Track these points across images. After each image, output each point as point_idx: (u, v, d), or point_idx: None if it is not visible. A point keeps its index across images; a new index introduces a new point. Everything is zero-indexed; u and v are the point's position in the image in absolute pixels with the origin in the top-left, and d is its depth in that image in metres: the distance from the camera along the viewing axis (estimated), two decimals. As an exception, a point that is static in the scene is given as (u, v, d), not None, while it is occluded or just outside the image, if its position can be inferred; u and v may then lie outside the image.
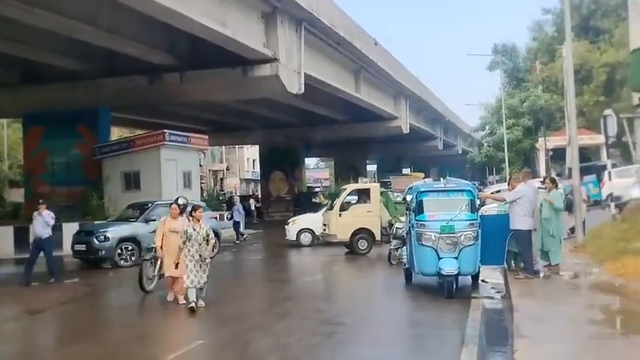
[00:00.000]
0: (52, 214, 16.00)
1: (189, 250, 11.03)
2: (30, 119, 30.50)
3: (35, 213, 16.08)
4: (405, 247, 13.30)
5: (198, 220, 11.31)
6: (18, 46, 22.64)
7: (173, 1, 18.33)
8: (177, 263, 11.29)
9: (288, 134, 47.41)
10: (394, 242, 16.01)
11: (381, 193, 22.08)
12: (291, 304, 12.46)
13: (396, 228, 16.11)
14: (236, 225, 27.12)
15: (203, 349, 8.86)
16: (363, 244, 20.22)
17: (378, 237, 20.38)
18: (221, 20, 21.12)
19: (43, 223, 15.72)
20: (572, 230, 16.18)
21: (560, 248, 12.89)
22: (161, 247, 12.10)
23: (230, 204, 31.33)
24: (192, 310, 10.77)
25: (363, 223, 20.44)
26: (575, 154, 16.86)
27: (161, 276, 12.61)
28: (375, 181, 27.51)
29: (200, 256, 11.02)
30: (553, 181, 13.69)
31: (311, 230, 23.53)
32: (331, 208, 21.39)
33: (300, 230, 23.83)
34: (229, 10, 21.73)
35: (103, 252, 18.78)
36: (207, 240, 11.22)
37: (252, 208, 43.64)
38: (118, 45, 22.80)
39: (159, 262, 12.52)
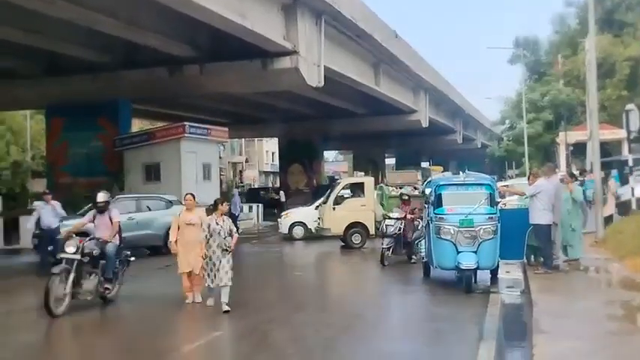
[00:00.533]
0: (59, 204, 16.12)
1: (210, 246, 10.37)
2: (52, 111, 30.73)
3: (41, 203, 16.18)
4: (423, 242, 13.26)
5: (222, 214, 10.64)
6: (39, 37, 22.80)
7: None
8: (204, 256, 10.46)
9: (307, 127, 47.40)
10: (386, 241, 15.43)
11: (378, 187, 22.17)
12: (307, 297, 12.48)
13: (387, 225, 15.63)
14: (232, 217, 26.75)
15: (221, 340, 8.92)
16: (357, 238, 20.40)
17: (372, 231, 20.47)
18: (240, 11, 21.12)
19: (52, 212, 15.82)
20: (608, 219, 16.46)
21: (580, 243, 12.79)
22: (175, 242, 11.11)
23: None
24: (225, 311, 10.15)
25: (357, 217, 20.63)
26: (597, 148, 16.71)
27: (74, 295, 10.45)
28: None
29: (223, 250, 10.28)
30: (572, 175, 13.68)
31: (303, 224, 23.71)
32: (326, 201, 21.50)
33: (293, 224, 24.00)
34: (249, 1, 21.72)
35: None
36: (232, 235, 10.52)
37: (283, 199, 43.82)
38: (137, 37, 22.89)
39: (71, 276, 10.32)
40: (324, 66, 26.44)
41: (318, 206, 23.23)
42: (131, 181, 27.25)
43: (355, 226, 20.53)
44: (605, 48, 37.92)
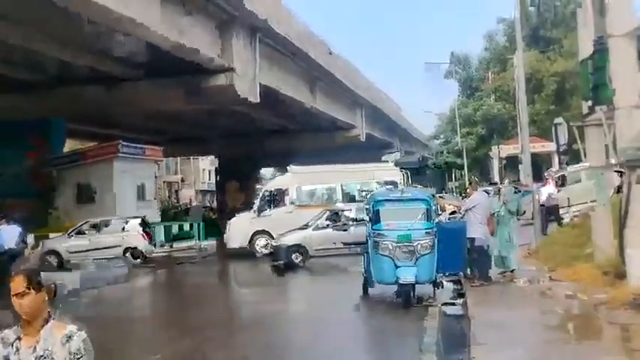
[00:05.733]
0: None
1: None
2: (-21, 129, 29.71)
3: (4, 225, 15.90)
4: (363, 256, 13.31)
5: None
6: (-34, 56, 22.06)
7: (128, 9, 18.07)
8: None
9: (245, 144, 47.13)
10: None
11: None
12: (246, 315, 12.37)
13: None
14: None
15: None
16: None
17: None
18: (177, 28, 20.95)
19: (12, 235, 15.77)
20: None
21: (515, 254, 13.09)
22: None
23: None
24: None
25: None
26: (528, 161, 17.23)
27: None
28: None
29: None
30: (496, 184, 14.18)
31: None
32: None
33: None
34: (186, 18, 21.56)
35: None
36: None
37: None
38: (72, 55, 22.38)
39: None
40: (261, 83, 26.44)
41: None
42: (63, 201, 26.59)
43: None
44: (532, 64, 39.29)
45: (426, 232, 11.63)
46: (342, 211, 19.95)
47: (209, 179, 77.05)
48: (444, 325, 9.98)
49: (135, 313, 13.24)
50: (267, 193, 24.05)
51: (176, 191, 73.75)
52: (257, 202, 23.90)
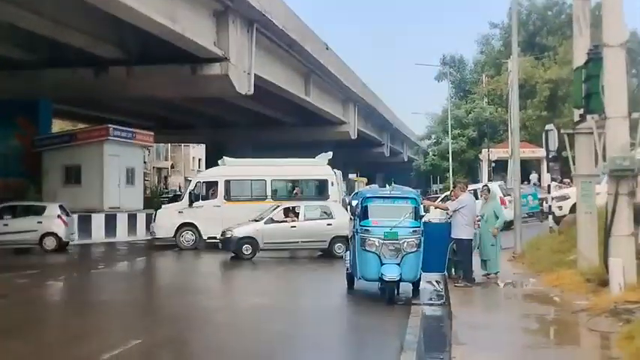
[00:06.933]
0: None
1: None
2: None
3: None
4: (348, 252, 13.33)
5: None
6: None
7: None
8: None
9: (235, 134, 47.09)
10: None
11: None
12: (226, 305, 12.34)
13: None
14: None
15: (140, 348, 8.69)
16: None
17: None
18: (171, 15, 20.84)
19: None
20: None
21: (498, 257, 13.15)
22: None
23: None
24: None
25: None
26: (517, 166, 17.30)
27: None
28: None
29: None
30: (489, 190, 14.18)
31: None
32: None
33: None
34: (180, 5, 21.46)
35: None
36: None
37: None
38: (62, 35, 22.21)
39: None
40: (255, 74, 26.37)
41: None
42: (49, 183, 26.43)
43: None
44: (526, 70, 39.34)
45: (413, 231, 11.64)
46: (294, 207, 19.85)
47: (198, 167, 76.85)
48: (425, 324, 10.01)
49: (112, 298, 13.15)
50: (197, 185, 22.97)
51: (165, 177, 73.58)
52: (186, 193, 23.09)
